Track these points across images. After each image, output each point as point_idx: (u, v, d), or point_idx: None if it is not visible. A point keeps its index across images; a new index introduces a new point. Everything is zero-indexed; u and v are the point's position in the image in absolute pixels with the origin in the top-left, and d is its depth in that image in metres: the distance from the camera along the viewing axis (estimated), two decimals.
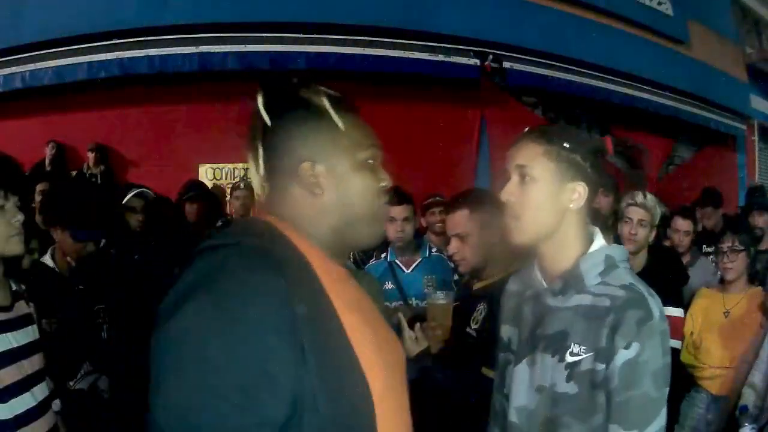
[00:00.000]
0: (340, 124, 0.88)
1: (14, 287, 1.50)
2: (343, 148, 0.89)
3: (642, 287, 1.06)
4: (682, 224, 3.22)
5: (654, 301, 1.04)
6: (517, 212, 1.12)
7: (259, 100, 0.87)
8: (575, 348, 1.05)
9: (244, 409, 0.69)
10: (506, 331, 1.23)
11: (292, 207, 0.89)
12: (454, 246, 1.81)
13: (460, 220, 1.78)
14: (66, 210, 2.37)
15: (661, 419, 1.01)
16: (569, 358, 1.05)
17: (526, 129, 1.16)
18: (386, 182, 0.95)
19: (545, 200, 1.10)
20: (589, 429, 1.04)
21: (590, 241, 1.13)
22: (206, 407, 0.69)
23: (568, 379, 1.05)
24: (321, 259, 0.85)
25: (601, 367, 1.02)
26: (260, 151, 0.88)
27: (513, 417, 1.13)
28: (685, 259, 3.23)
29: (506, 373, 1.19)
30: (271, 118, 0.87)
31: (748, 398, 2.23)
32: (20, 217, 1.40)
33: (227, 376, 0.69)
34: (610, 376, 1.01)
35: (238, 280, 0.73)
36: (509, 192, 1.13)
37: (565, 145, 1.09)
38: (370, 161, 0.93)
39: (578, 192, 1.10)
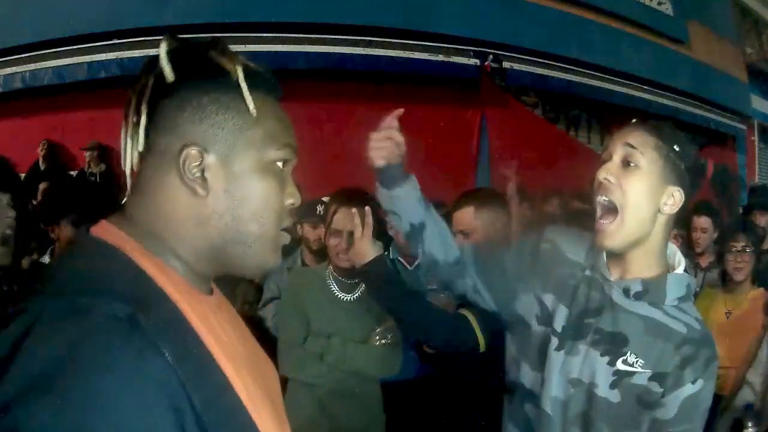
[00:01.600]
0: (251, 105, 0.65)
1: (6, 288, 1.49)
2: (248, 139, 0.66)
3: (706, 326, 1.07)
4: (699, 221, 3.17)
5: (715, 344, 1.06)
6: (616, 200, 1.02)
7: (163, 50, 0.64)
8: (631, 358, 1.01)
9: None
10: (552, 301, 1.13)
11: (160, 208, 0.65)
12: (458, 243, 1.81)
13: (465, 217, 1.80)
14: (64, 203, 2.37)
15: None
16: (621, 366, 1.02)
17: (634, 120, 1.09)
18: (294, 200, 0.70)
19: (645, 195, 1.03)
20: None
21: (671, 256, 1.10)
22: None
23: (613, 385, 1.02)
24: (182, 289, 0.63)
25: (659, 390, 1.00)
26: (143, 117, 0.64)
27: (548, 408, 1.09)
28: (706, 259, 3.15)
29: (545, 353, 1.10)
30: (172, 72, 0.64)
31: (747, 397, 2.23)
32: (11, 213, 1.38)
33: None
34: (668, 405, 1.00)
35: (99, 387, 0.50)
36: (608, 171, 1.04)
37: (675, 147, 1.05)
38: (280, 165, 0.68)
39: (675, 198, 1.05)
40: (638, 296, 1.05)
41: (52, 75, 4.82)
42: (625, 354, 1.02)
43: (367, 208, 1.65)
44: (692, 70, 6.76)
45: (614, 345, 1.03)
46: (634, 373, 1.01)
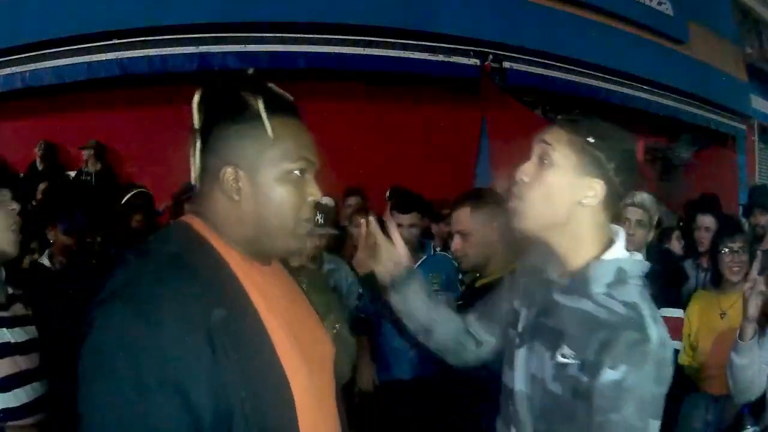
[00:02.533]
0: (269, 131, 0.86)
1: (11, 291, 1.50)
2: (269, 157, 0.87)
3: (647, 309, 1.01)
4: (704, 220, 3.16)
5: (656, 327, 0.99)
6: (524, 193, 1.08)
7: (196, 97, 0.87)
8: (566, 350, 1.02)
9: (169, 402, 0.73)
10: (518, 305, 1.20)
11: (213, 209, 0.89)
12: (456, 243, 1.84)
13: (463, 217, 1.81)
14: (60, 205, 2.37)
15: None
16: (559, 359, 1.03)
17: (559, 116, 1.11)
18: (314, 197, 0.92)
19: (558, 188, 1.05)
20: None
21: (609, 244, 1.08)
22: (135, 402, 0.73)
23: (554, 378, 1.03)
24: (240, 261, 0.87)
25: (585, 379, 0.99)
26: (197, 147, 0.88)
27: (516, 403, 1.12)
28: (708, 259, 3.15)
29: (511, 351, 1.16)
30: (205, 117, 0.86)
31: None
32: (16, 206, 1.38)
33: (150, 377, 0.73)
34: (594, 393, 0.97)
35: (151, 292, 0.77)
36: (524, 171, 1.08)
37: (590, 139, 1.05)
38: (297, 174, 0.89)
39: (594, 190, 1.05)
40: (567, 291, 1.07)
41: (52, 75, 4.82)
42: (561, 347, 1.03)
43: (370, 218, 1.66)
44: (692, 70, 6.77)
45: (554, 339, 1.05)
46: (567, 365, 1.02)
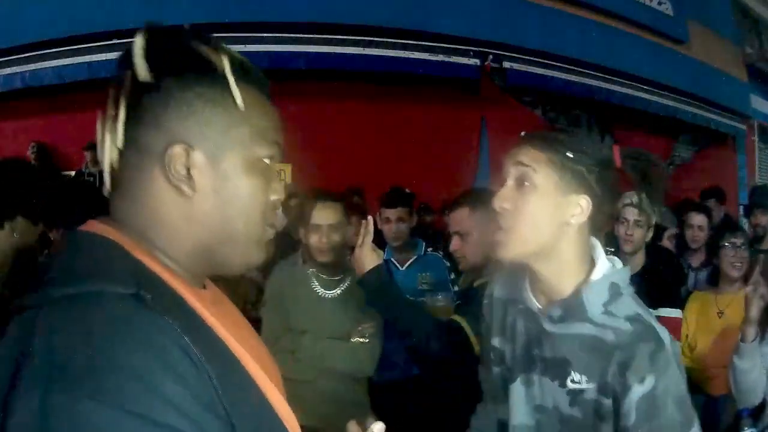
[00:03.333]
0: (239, 99, 0.63)
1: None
2: (238, 136, 0.64)
3: (648, 315, 1.00)
4: (695, 219, 3.17)
5: (661, 328, 0.99)
6: (510, 222, 1.00)
7: (138, 45, 0.61)
8: (576, 377, 1.00)
9: None
10: (498, 342, 1.16)
11: (145, 206, 0.63)
12: (454, 244, 1.85)
13: (461, 218, 1.82)
14: (60, 205, 2.37)
15: None
16: (570, 385, 1.01)
17: (523, 132, 1.05)
18: (278, 196, 0.69)
19: (544, 211, 0.99)
20: None
21: (591, 261, 1.04)
22: None
23: (572, 404, 1.01)
24: (185, 287, 0.63)
25: (608, 401, 0.98)
26: (122, 113, 0.61)
27: None
28: (698, 259, 3.14)
29: (505, 389, 1.14)
30: (148, 71, 0.60)
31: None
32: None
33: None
34: (626, 413, 0.96)
35: (128, 362, 0.50)
36: (504, 197, 1.01)
37: (569, 154, 0.99)
38: (266, 161, 0.66)
39: (581, 206, 1.00)
40: (562, 319, 1.02)
41: (52, 75, 4.82)
42: (570, 374, 1.01)
43: (369, 217, 1.67)
44: (692, 70, 6.76)
45: (559, 368, 1.03)
46: (583, 389, 1.00)
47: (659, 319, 2.69)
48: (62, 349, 0.49)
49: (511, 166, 1.02)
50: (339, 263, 1.97)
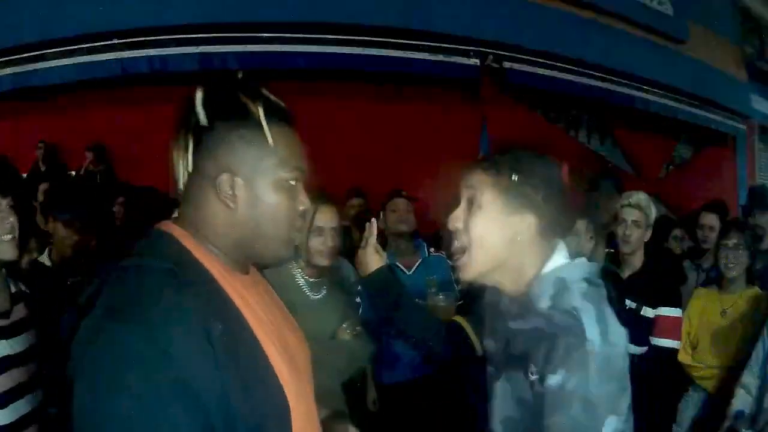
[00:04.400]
0: (269, 139, 0.86)
1: (14, 289, 1.49)
2: (268, 165, 0.87)
3: (587, 311, 1.00)
4: (707, 219, 3.16)
5: (597, 327, 0.98)
6: (464, 242, 1.09)
7: (198, 97, 0.85)
8: (532, 368, 1.04)
9: (186, 410, 0.73)
10: (488, 344, 1.23)
11: (203, 214, 0.88)
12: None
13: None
14: (62, 202, 2.38)
15: None
16: (530, 377, 1.04)
17: (478, 158, 1.16)
18: (304, 206, 0.93)
19: (491, 230, 1.08)
20: None
21: (545, 261, 1.10)
22: (153, 411, 0.72)
23: (534, 396, 1.04)
24: (222, 269, 0.87)
25: (542, 390, 1.01)
26: (191, 146, 0.86)
27: (498, 428, 1.14)
28: (710, 259, 3.10)
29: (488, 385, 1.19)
30: (206, 117, 0.85)
31: (743, 401, 2.22)
32: (13, 219, 1.37)
33: (165, 389, 0.72)
34: (543, 399, 0.99)
35: (149, 307, 0.75)
36: (456, 218, 1.11)
37: (513, 177, 1.07)
38: (291, 182, 0.90)
39: (527, 224, 1.08)
40: (519, 315, 1.09)
41: (52, 75, 4.83)
42: (529, 366, 1.04)
43: (373, 219, 1.67)
44: (692, 70, 6.76)
45: (524, 362, 1.06)
46: (533, 381, 1.03)
47: (659, 318, 2.67)
48: (116, 298, 0.78)
49: (463, 188, 1.12)
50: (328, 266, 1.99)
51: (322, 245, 1.90)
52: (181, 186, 0.89)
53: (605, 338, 0.98)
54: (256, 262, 0.96)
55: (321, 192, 1.95)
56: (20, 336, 1.42)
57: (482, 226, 1.08)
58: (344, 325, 1.93)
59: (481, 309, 1.28)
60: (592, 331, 0.98)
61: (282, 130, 0.89)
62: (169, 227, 0.89)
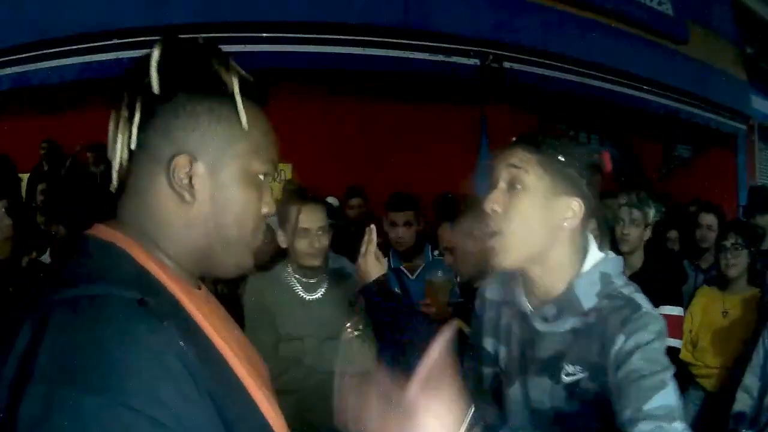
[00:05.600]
0: (244, 119, 0.68)
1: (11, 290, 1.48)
2: (237, 151, 0.69)
3: (628, 289, 0.99)
4: (705, 218, 3.18)
5: (641, 297, 0.98)
6: (501, 225, 0.99)
7: (154, 56, 0.65)
8: (569, 368, 0.99)
9: None
10: (490, 344, 1.15)
11: (149, 208, 0.68)
12: (447, 260, 1.89)
13: (445, 234, 1.87)
14: (63, 203, 2.38)
15: (665, 397, 0.90)
16: (565, 379, 0.99)
17: (517, 136, 1.05)
18: (269, 209, 0.74)
19: (536, 214, 0.98)
20: None
21: (584, 257, 1.03)
22: None
23: (570, 397, 1.00)
24: (181, 288, 0.68)
25: (592, 384, 0.97)
26: (136, 117, 0.65)
27: None
28: (709, 259, 3.11)
29: (499, 392, 1.12)
30: (161, 84, 0.65)
31: (744, 402, 2.22)
32: (8, 221, 1.36)
33: None
34: (610, 379, 0.94)
35: (120, 361, 0.55)
36: (494, 201, 1.00)
37: (560, 157, 0.99)
38: (261, 177, 0.72)
39: (573, 209, 0.99)
40: (555, 318, 1.02)
41: (52, 75, 4.82)
42: (563, 368, 1.00)
43: (372, 226, 1.66)
44: (692, 70, 6.76)
45: (553, 365, 1.01)
46: (578, 380, 0.99)
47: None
48: (69, 347, 0.54)
49: (503, 169, 1.02)
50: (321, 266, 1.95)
51: (308, 247, 1.85)
52: (116, 171, 0.68)
53: (651, 306, 0.97)
54: (210, 273, 0.75)
55: (304, 190, 1.92)
56: None
57: (528, 208, 0.98)
58: (348, 325, 1.91)
59: (482, 305, 1.20)
60: (640, 300, 0.97)
61: (257, 113, 0.71)
62: (108, 234, 0.67)
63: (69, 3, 4.89)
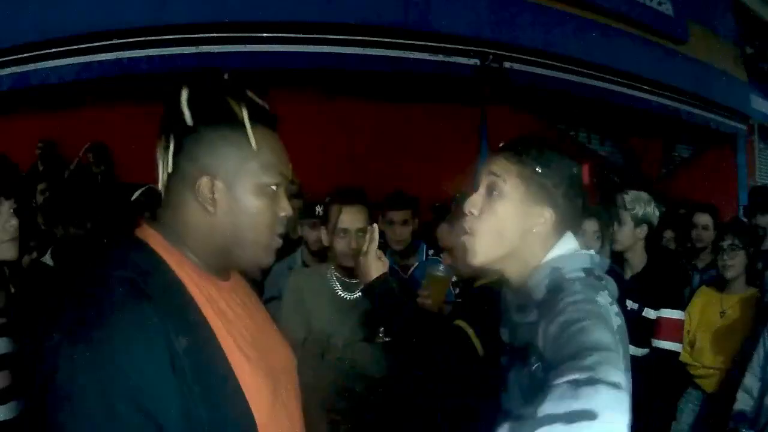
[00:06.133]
0: (253, 143, 0.84)
1: (14, 290, 1.48)
2: (250, 169, 0.85)
3: (579, 285, 0.99)
4: (700, 219, 3.17)
5: (591, 290, 0.97)
6: (475, 226, 1.08)
7: (184, 96, 0.83)
8: (532, 358, 1.03)
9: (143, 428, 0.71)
10: (503, 334, 1.22)
11: (181, 218, 0.86)
12: (445, 259, 1.88)
13: (442, 234, 1.89)
14: (64, 204, 2.38)
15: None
16: (531, 369, 1.03)
17: (506, 141, 1.12)
18: (286, 212, 0.90)
19: (509, 220, 1.07)
20: None
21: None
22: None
23: (536, 388, 0.99)
24: (197, 278, 0.84)
25: (542, 374, 0.98)
26: (172, 147, 0.84)
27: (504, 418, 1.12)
28: (705, 259, 3.13)
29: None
30: (190, 118, 0.83)
31: (744, 402, 2.22)
32: (14, 222, 1.37)
33: (122, 407, 0.70)
34: (549, 349, 0.94)
35: (110, 329, 0.72)
36: (473, 203, 1.09)
37: (538, 168, 1.06)
38: (273, 188, 0.87)
39: (545, 217, 1.07)
40: (522, 308, 1.08)
41: (52, 75, 4.82)
42: (529, 357, 1.03)
43: (374, 225, 1.66)
44: (692, 70, 6.76)
45: (525, 355, 1.05)
46: (536, 368, 1.01)
47: (661, 319, 2.66)
48: (71, 316, 0.75)
49: (485, 175, 1.10)
50: None
51: (347, 247, 1.87)
52: (161, 188, 0.87)
53: (598, 297, 0.97)
54: (235, 268, 0.94)
55: (347, 191, 1.93)
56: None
57: (501, 213, 1.07)
58: (381, 329, 1.90)
59: (490, 302, 1.27)
60: (590, 295, 0.96)
61: (266, 133, 0.87)
62: (145, 233, 0.86)
63: (69, 3, 4.88)
